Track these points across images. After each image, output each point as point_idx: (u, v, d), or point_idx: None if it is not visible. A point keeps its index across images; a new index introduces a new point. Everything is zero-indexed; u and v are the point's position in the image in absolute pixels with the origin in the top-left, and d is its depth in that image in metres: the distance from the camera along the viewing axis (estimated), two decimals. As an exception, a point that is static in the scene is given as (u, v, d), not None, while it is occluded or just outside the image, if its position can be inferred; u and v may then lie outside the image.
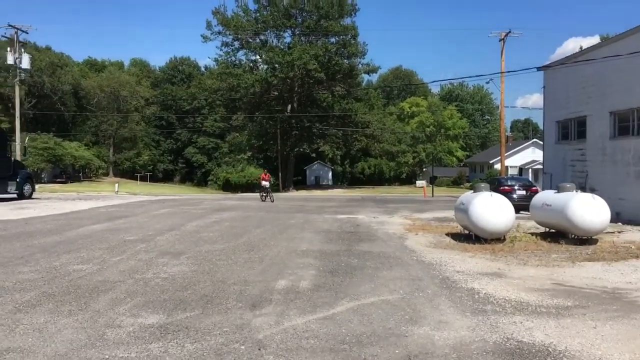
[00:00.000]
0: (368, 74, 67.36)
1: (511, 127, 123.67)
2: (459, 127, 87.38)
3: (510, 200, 13.68)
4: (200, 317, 6.49)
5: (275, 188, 62.43)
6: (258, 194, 32.84)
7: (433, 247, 12.73)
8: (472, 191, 15.08)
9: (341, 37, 59.77)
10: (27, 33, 42.51)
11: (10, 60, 41.11)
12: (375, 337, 5.80)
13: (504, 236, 13.34)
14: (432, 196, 41.59)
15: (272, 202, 29.87)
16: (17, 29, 41.13)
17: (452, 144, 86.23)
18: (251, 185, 58.78)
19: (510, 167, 62.92)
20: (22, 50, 41.74)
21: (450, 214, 19.73)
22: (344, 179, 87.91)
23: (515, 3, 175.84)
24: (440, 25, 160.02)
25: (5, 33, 41.64)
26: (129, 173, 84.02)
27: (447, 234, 14.98)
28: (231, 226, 16.79)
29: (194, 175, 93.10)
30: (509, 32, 39.37)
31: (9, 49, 41.81)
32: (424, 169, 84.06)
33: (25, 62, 41.67)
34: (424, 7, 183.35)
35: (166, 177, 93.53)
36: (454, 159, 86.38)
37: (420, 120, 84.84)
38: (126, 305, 7.00)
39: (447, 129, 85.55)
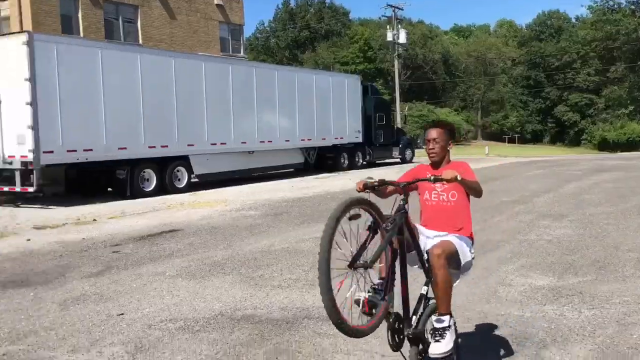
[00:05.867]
0: None
1: None
2: None
3: None
4: (595, 283, 6.11)
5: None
6: None
7: None
8: None
9: None
10: (403, 10, 46.26)
11: (389, 37, 45.35)
12: None
13: None
14: None
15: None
16: (394, 7, 45.07)
17: None
18: (634, 143, 52.65)
19: None
20: (399, 27, 45.58)
21: None
22: None
23: None
24: None
25: (384, 13, 46.16)
26: (496, 136, 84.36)
27: None
28: (615, 187, 15.36)
29: (565, 135, 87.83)
30: None
31: (387, 27, 46.13)
32: None
33: (402, 38, 45.42)
34: None
35: (535, 138, 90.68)
36: None
37: None
38: (513, 265, 7.07)
39: None
